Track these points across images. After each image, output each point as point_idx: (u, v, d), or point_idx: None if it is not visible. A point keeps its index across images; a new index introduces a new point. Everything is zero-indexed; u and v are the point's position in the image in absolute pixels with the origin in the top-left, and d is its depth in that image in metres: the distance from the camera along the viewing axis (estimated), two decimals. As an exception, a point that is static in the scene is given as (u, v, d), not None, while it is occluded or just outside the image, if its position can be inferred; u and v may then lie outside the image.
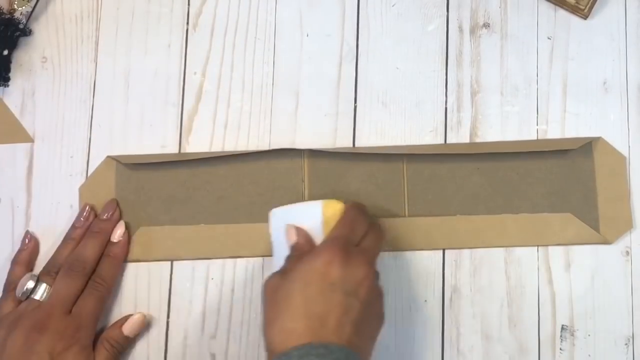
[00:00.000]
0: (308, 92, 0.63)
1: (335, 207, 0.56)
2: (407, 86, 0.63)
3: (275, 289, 0.51)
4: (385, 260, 0.60)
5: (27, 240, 0.61)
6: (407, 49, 0.64)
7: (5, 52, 0.62)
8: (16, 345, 0.54)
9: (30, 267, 0.60)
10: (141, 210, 0.61)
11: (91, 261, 0.58)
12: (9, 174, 0.63)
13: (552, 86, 0.63)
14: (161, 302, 0.61)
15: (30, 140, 0.63)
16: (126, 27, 0.65)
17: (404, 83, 0.63)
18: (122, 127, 0.63)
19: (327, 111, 0.63)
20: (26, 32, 0.63)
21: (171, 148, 0.63)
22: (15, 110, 0.63)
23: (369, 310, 0.51)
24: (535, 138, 0.62)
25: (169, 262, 0.61)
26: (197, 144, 0.63)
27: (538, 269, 0.61)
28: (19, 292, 0.57)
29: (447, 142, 0.62)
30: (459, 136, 0.62)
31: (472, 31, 0.64)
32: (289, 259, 0.54)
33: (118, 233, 0.60)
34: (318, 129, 0.63)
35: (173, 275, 0.61)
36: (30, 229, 0.62)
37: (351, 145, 0.62)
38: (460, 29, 0.64)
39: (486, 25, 0.64)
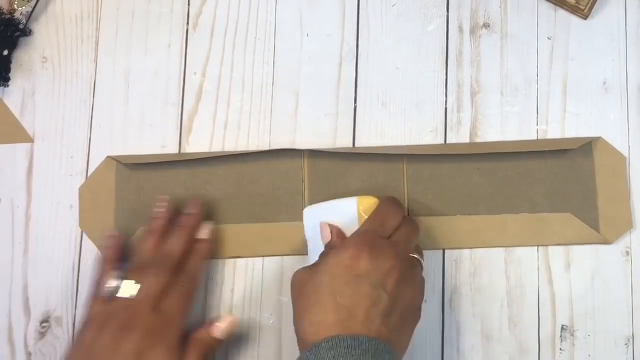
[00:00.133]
0: (308, 92, 0.63)
1: (370, 203, 0.57)
2: (407, 86, 0.63)
3: (303, 283, 0.52)
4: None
5: (112, 238, 0.60)
6: (407, 49, 0.64)
7: (5, 52, 0.62)
8: (104, 345, 0.53)
9: (117, 265, 0.58)
10: (141, 210, 0.61)
11: (177, 257, 0.57)
12: (9, 174, 0.63)
13: (552, 86, 0.63)
14: (161, 302, 0.61)
15: (30, 140, 0.63)
16: (126, 27, 0.65)
17: (404, 83, 0.63)
18: (122, 127, 0.63)
19: (327, 111, 0.63)
20: (26, 32, 0.63)
21: (171, 148, 0.63)
22: (15, 110, 0.63)
23: (399, 302, 0.51)
24: (535, 138, 0.62)
25: (169, 262, 0.61)
26: (197, 144, 0.63)
27: (538, 269, 0.61)
28: (105, 291, 0.56)
29: (447, 142, 0.62)
30: (459, 136, 0.62)
31: (472, 31, 0.64)
32: (321, 255, 0.54)
33: (205, 230, 0.60)
34: (318, 129, 0.63)
35: (173, 275, 0.61)
36: (30, 229, 0.62)
37: (351, 145, 0.62)
38: (460, 29, 0.64)
39: (486, 25, 0.64)
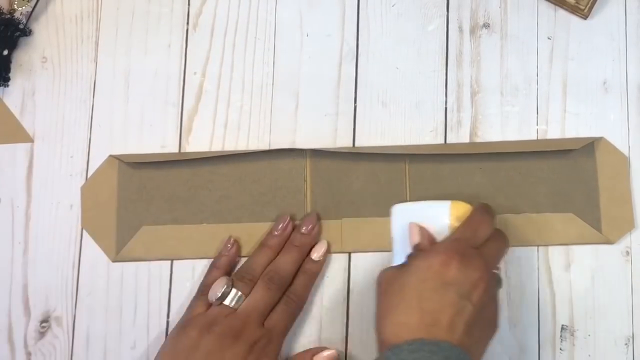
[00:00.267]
0: (308, 92, 0.63)
1: (463, 209, 0.56)
2: (407, 86, 0.63)
3: (390, 282, 0.52)
4: (386, 260, 0.60)
5: (229, 245, 0.60)
6: (407, 49, 0.64)
7: (5, 52, 0.62)
8: (209, 348, 0.53)
9: (227, 272, 0.59)
10: (143, 209, 0.61)
11: (289, 275, 0.57)
12: (9, 174, 0.63)
13: (552, 86, 0.63)
14: (161, 302, 0.61)
15: (30, 140, 0.63)
16: (126, 27, 0.65)
17: (404, 83, 0.64)
18: (122, 127, 0.63)
19: (327, 111, 0.63)
20: (26, 32, 0.63)
21: (171, 148, 0.63)
22: (15, 110, 0.63)
23: (481, 314, 0.50)
24: (535, 138, 0.62)
25: (169, 262, 0.61)
26: (197, 144, 0.63)
27: (538, 269, 0.61)
28: (211, 296, 0.55)
29: (447, 142, 0.62)
30: (459, 136, 0.62)
31: (472, 31, 0.64)
32: (409, 257, 0.54)
33: (319, 252, 0.59)
34: (318, 129, 0.63)
35: (173, 275, 0.61)
36: (30, 229, 0.61)
37: (351, 145, 0.62)
38: (460, 29, 0.64)
39: (486, 26, 0.64)
